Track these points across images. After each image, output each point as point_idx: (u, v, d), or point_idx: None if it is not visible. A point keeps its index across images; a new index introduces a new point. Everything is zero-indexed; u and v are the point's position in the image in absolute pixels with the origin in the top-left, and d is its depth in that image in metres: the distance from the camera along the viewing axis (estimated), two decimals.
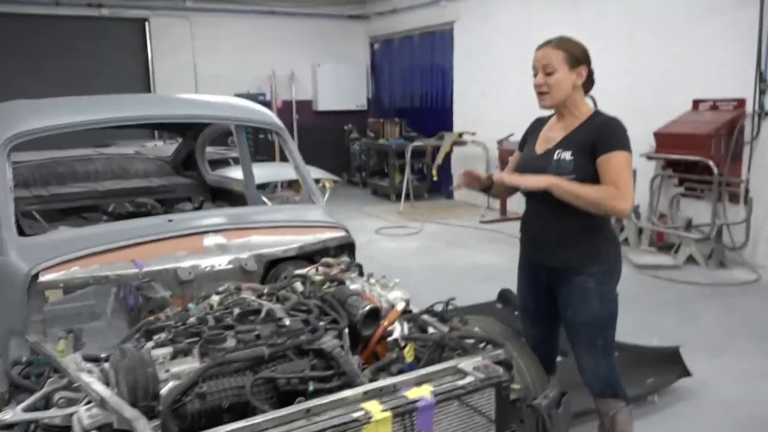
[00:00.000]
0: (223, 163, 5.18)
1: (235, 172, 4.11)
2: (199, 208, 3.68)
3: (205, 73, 9.77)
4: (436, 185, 9.50)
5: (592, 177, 2.11)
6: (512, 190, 2.48)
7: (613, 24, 6.48)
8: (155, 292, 2.40)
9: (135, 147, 5.40)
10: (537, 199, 2.23)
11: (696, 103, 5.77)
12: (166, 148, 5.34)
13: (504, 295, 4.27)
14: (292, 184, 7.39)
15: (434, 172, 8.60)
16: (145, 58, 9.62)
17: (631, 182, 2.11)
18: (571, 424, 2.29)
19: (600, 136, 2.11)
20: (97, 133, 3.93)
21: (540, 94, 2.18)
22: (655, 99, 6.04)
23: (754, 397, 3.15)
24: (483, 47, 8.66)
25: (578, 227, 2.16)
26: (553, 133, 2.25)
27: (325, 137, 10.50)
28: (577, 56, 2.17)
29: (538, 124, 2.39)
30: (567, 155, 2.13)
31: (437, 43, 9.70)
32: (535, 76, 2.18)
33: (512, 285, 4.25)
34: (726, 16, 5.53)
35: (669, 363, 3.21)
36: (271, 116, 2.99)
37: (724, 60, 5.58)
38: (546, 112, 2.36)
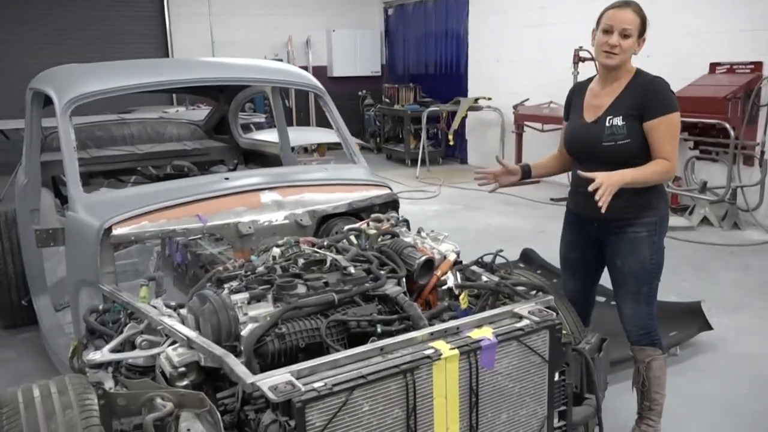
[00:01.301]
0: (245, 128, 5.26)
1: (265, 136, 4.19)
2: (233, 170, 3.78)
3: (222, 40, 9.77)
4: (450, 150, 9.59)
5: (644, 138, 2.18)
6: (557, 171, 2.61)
7: None
8: (203, 248, 2.53)
9: (156, 113, 5.46)
10: (590, 158, 2.28)
11: (713, 67, 5.82)
12: (188, 113, 5.41)
13: (526, 255, 4.42)
14: (309, 150, 7.50)
15: (450, 137, 8.68)
16: (163, 26, 9.61)
17: (677, 144, 2.21)
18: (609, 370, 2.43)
19: (647, 100, 2.17)
20: (120, 99, 3.99)
21: (608, 53, 2.18)
22: (673, 63, 6.06)
23: None
24: (497, 12, 8.61)
25: None
26: (599, 100, 2.28)
27: (339, 103, 10.42)
28: (645, 26, 2.22)
29: (578, 91, 2.41)
30: (618, 121, 2.19)
31: (451, 9, 9.62)
32: (606, 33, 2.18)
33: (530, 245, 4.44)
34: None
35: (691, 317, 3.36)
36: (311, 78, 3.07)
37: (741, 24, 5.59)
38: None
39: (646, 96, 2.17)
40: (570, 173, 2.51)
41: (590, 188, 2.09)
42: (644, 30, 2.21)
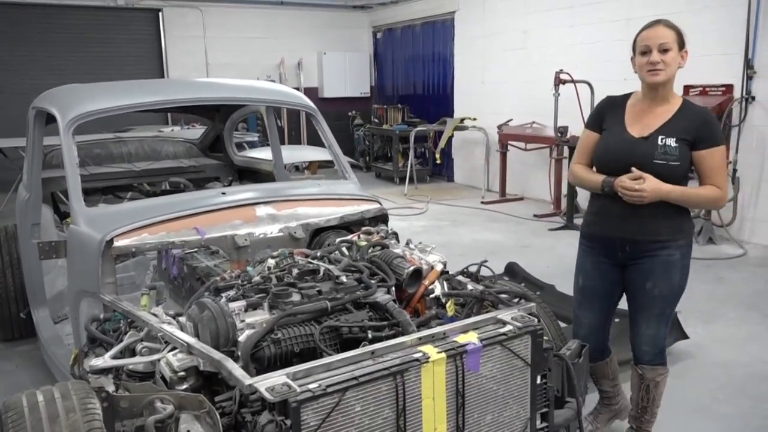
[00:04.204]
0: (238, 146, 5.37)
1: (258, 154, 4.31)
2: (228, 187, 3.86)
3: (216, 61, 9.98)
4: (437, 168, 9.78)
5: (689, 162, 2.23)
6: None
7: (608, 13, 6.69)
8: (199, 261, 2.60)
9: (152, 132, 5.56)
10: (628, 172, 2.24)
11: (686, 89, 6.03)
12: (183, 132, 5.51)
13: (511, 268, 4.53)
14: (301, 168, 7.62)
15: (437, 155, 8.87)
16: (159, 48, 9.81)
17: (726, 174, 2.27)
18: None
19: (702, 130, 2.20)
20: (117, 119, 4.09)
21: (653, 71, 2.19)
22: None
23: (744, 358, 3.45)
24: (482, 36, 8.87)
25: (669, 203, 2.22)
26: (647, 118, 2.27)
27: (330, 123, 10.66)
28: (683, 39, 2.22)
29: (616, 105, 2.37)
30: (671, 142, 2.19)
31: (438, 33, 9.90)
32: (645, 54, 2.20)
33: (514, 259, 4.56)
34: (716, 6, 5.80)
35: None
36: (304, 98, 3.20)
37: (713, 48, 5.84)
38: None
39: (701, 125, 2.21)
40: (589, 199, 2.47)
41: (630, 182, 2.12)
42: (683, 43, 2.22)
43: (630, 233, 2.27)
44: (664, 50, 2.18)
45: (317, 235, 2.61)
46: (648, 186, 2.15)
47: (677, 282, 2.30)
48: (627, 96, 2.38)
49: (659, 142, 2.20)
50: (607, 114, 2.38)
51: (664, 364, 2.42)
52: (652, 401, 2.43)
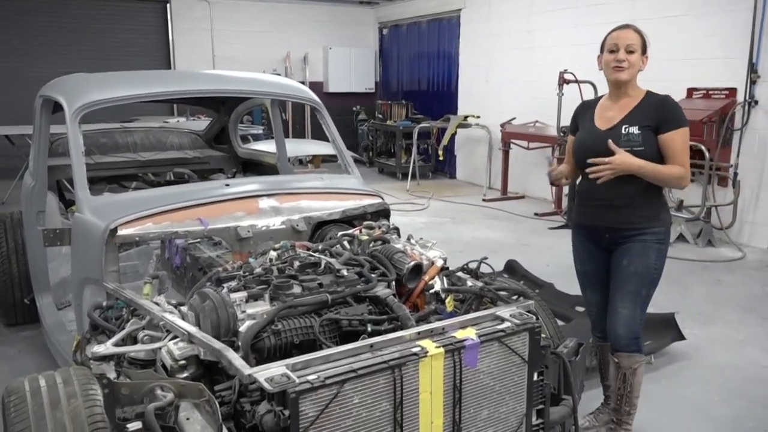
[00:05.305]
0: (243, 139, 5.39)
1: (263, 147, 4.32)
2: (232, 178, 3.88)
3: (223, 54, 9.99)
4: (440, 165, 9.80)
5: (656, 148, 2.36)
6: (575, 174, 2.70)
7: (612, 15, 6.67)
8: (202, 252, 2.62)
9: (158, 123, 5.58)
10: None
11: (690, 92, 6.04)
12: (188, 123, 5.52)
13: (510, 266, 4.55)
14: (305, 162, 7.64)
15: (440, 152, 8.88)
16: (166, 39, 9.82)
17: (689, 156, 2.39)
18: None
19: (663, 114, 2.35)
20: (123, 109, 4.11)
21: (618, 68, 2.38)
22: (652, 87, 6.29)
23: (740, 360, 3.46)
24: (488, 34, 8.87)
25: (641, 192, 2.39)
26: (611, 113, 2.46)
27: (334, 118, 10.73)
28: (646, 44, 2.43)
29: (587, 107, 2.59)
30: (634, 129, 2.36)
31: (444, 30, 9.89)
32: (612, 52, 2.40)
33: (514, 257, 4.58)
34: (721, 10, 5.78)
35: (665, 328, 3.50)
36: (309, 92, 3.21)
37: (718, 51, 5.84)
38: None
39: (662, 110, 2.36)
40: (577, 189, 2.62)
41: (598, 163, 2.29)
42: (646, 48, 2.42)
43: (608, 222, 2.46)
44: (629, 51, 2.37)
45: (319, 228, 2.62)
46: (617, 158, 2.31)
47: (653, 263, 2.42)
48: (598, 98, 2.58)
49: (623, 131, 2.38)
50: (581, 116, 2.59)
51: (640, 351, 2.49)
52: (630, 390, 2.49)
